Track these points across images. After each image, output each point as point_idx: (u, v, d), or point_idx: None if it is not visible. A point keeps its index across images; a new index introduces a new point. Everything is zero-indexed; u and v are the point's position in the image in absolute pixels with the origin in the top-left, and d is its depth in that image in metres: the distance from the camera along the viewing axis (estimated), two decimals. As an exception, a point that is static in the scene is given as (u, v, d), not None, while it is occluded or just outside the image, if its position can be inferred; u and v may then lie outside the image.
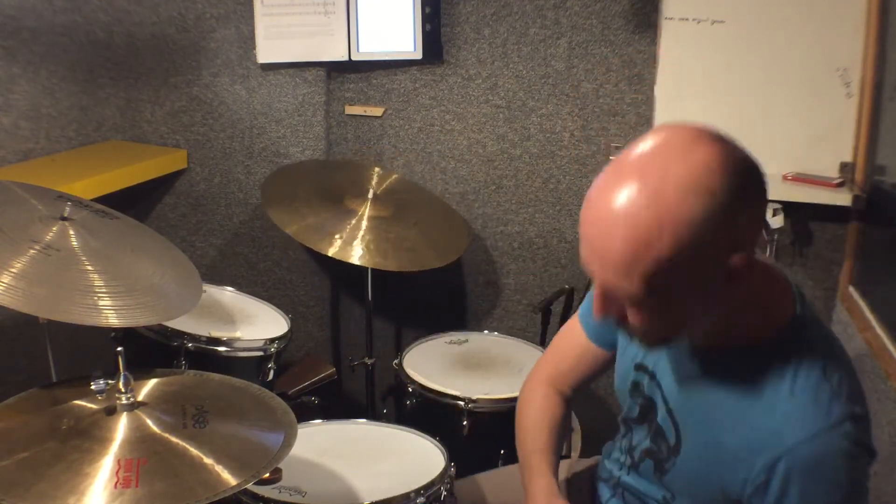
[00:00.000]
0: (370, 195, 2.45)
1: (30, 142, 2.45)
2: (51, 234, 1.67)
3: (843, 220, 2.37)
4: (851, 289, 2.30)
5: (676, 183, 0.98)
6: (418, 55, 2.61)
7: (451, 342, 2.46)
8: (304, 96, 2.73)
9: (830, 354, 1.16)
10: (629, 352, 1.40)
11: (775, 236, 2.38)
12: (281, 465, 1.50)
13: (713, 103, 2.41)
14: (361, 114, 2.76)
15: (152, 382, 1.66)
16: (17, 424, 1.48)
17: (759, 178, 1.07)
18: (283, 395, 2.14)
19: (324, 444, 1.96)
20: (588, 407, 2.61)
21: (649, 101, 2.47)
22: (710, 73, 2.39)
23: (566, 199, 2.65)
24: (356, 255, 2.28)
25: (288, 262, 2.89)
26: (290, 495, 1.72)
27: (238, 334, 2.19)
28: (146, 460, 1.39)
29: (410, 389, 2.22)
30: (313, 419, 2.10)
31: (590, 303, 1.41)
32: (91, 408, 1.52)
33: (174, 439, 1.47)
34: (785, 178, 2.35)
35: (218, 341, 2.07)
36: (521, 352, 2.40)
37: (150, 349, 2.03)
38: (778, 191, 2.30)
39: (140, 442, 1.44)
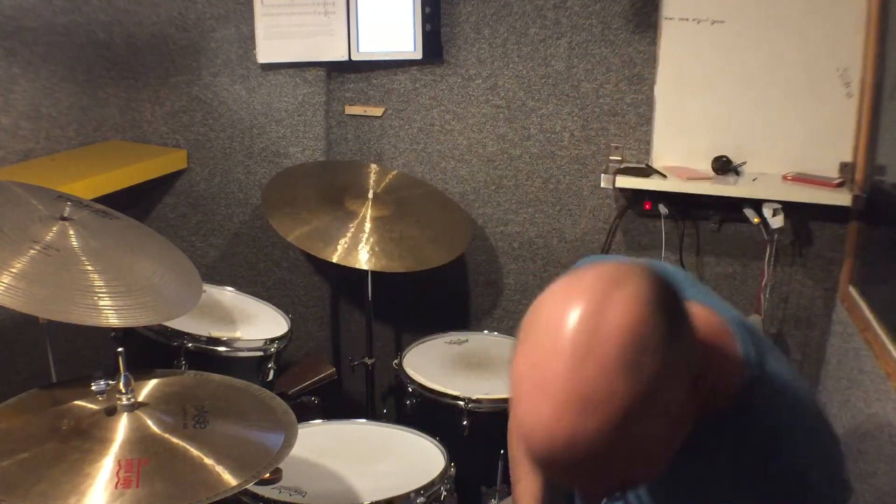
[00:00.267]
0: (370, 195, 2.45)
1: (30, 142, 2.44)
2: (51, 234, 1.67)
3: (843, 220, 2.38)
4: (851, 289, 2.31)
5: (609, 375, 0.86)
6: (418, 55, 2.61)
7: (451, 342, 2.46)
8: (304, 96, 2.73)
9: (786, 421, 1.06)
10: None
11: (775, 236, 2.39)
12: (281, 465, 1.50)
13: (713, 103, 2.41)
14: (361, 114, 2.76)
15: (152, 383, 1.66)
16: (17, 425, 1.49)
17: (677, 301, 0.94)
18: (283, 395, 2.14)
19: (324, 444, 1.96)
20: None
21: (649, 101, 2.47)
22: (710, 73, 2.39)
23: (566, 199, 2.65)
24: (362, 259, 2.28)
25: (288, 262, 2.89)
26: (290, 495, 1.72)
27: (238, 334, 2.19)
28: (147, 460, 1.39)
29: (410, 389, 2.22)
30: (313, 419, 2.10)
31: None
32: (91, 408, 1.53)
33: (175, 440, 1.47)
34: (785, 178, 2.35)
35: (218, 341, 2.07)
36: (521, 352, 2.39)
37: (150, 349, 2.03)
38: (778, 191, 2.30)
39: (140, 442, 1.44)
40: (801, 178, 2.32)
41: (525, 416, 0.92)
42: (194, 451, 1.45)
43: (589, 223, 2.65)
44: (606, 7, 2.45)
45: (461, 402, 2.11)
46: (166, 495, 1.33)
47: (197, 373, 1.76)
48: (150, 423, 1.50)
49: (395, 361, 2.35)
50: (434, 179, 2.74)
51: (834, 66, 2.27)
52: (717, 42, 2.35)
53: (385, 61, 2.67)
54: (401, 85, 2.70)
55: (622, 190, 2.51)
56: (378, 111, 2.75)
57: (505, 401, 2.09)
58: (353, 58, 2.64)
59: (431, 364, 2.30)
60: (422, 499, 1.72)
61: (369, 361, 2.64)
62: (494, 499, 2.07)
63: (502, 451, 2.09)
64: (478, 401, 2.12)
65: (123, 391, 1.51)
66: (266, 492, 1.69)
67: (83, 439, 1.43)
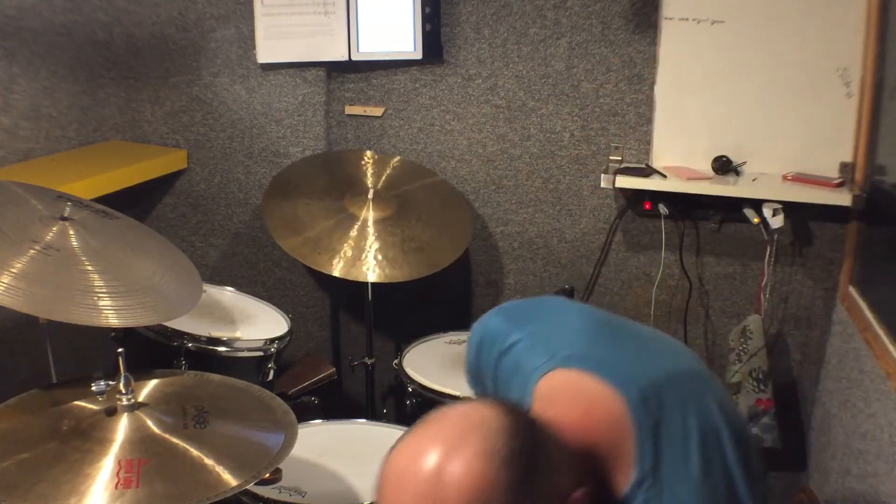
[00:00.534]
0: (370, 195, 2.45)
1: (30, 142, 2.44)
2: (51, 234, 1.67)
3: (843, 220, 2.37)
4: (851, 289, 2.31)
5: None
6: (418, 55, 2.61)
7: (451, 342, 2.46)
8: (304, 96, 2.73)
9: None
10: None
11: (775, 236, 2.39)
12: (281, 466, 1.50)
13: (713, 103, 2.41)
14: (361, 114, 2.76)
15: (153, 383, 1.66)
16: (17, 425, 1.49)
17: (530, 445, 0.93)
18: (283, 395, 2.14)
19: (324, 444, 1.96)
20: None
21: (649, 101, 2.47)
22: (710, 73, 2.39)
23: (566, 199, 2.65)
24: (366, 270, 2.28)
25: (288, 263, 2.89)
26: (290, 495, 1.72)
27: (238, 334, 2.19)
28: (147, 461, 1.40)
29: (410, 389, 2.22)
30: (313, 419, 2.10)
31: None
32: (91, 409, 1.53)
33: (175, 440, 1.47)
34: (785, 178, 2.35)
35: (218, 341, 2.07)
36: (521, 352, 2.39)
37: (150, 349, 2.03)
38: (778, 191, 2.30)
39: (141, 442, 1.45)
40: (801, 178, 2.32)
41: None
42: (194, 452, 1.45)
43: (589, 223, 2.65)
44: (606, 7, 2.45)
45: (461, 402, 2.11)
46: (166, 495, 1.33)
47: (197, 373, 1.77)
48: (150, 423, 1.50)
49: (395, 361, 2.35)
50: (434, 172, 2.74)
51: (834, 66, 2.27)
52: (717, 42, 2.35)
53: (385, 61, 2.67)
54: (401, 85, 2.70)
55: (622, 190, 2.51)
56: (378, 111, 2.75)
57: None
58: (353, 58, 2.64)
59: (431, 364, 2.30)
60: (422, 499, 1.72)
61: (369, 361, 2.64)
62: None
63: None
64: (478, 401, 2.11)
65: (123, 391, 1.51)
66: (266, 492, 1.69)
67: (83, 440, 1.43)
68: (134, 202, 2.82)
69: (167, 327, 2.00)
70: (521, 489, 0.89)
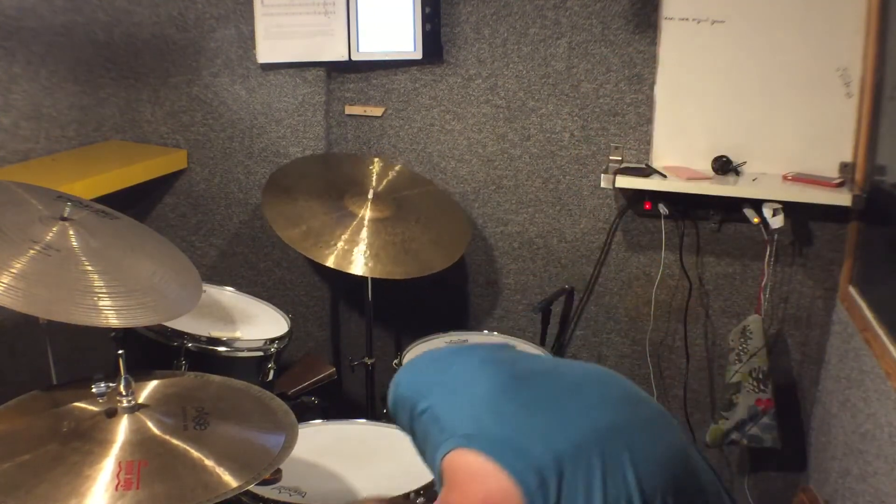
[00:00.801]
0: (370, 195, 2.45)
1: (30, 142, 2.44)
2: (51, 234, 1.67)
3: (843, 220, 2.38)
4: (851, 289, 2.31)
5: None
6: (418, 55, 2.61)
7: (450, 342, 2.46)
8: (304, 96, 2.73)
9: None
10: None
11: (775, 236, 2.39)
12: (281, 466, 1.50)
13: (713, 103, 2.41)
14: (361, 114, 2.76)
15: (153, 384, 1.66)
16: (18, 427, 1.49)
17: None
18: (283, 396, 2.14)
19: (324, 444, 1.96)
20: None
21: (649, 101, 2.47)
22: (711, 73, 2.38)
23: (566, 199, 2.65)
24: (358, 263, 2.28)
25: (288, 262, 2.89)
26: (290, 495, 1.72)
27: (238, 334, 2.19)
28: (147, 462, 1.40)
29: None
30: (313, 419, 2.10)
31: None
32: (92, 410, 1.53)
33: (175, 441, 1.47)
34: (785, 178, 2.35)
35: (218, 341, 2.07)
36: (522, 352, 2.40)
37: (150, 349, 2.03)
38: (778, 191, 2.30)
39: (141, 444, 1.45)
40: (801, 178, 2.32)
41: None
42: (195, 453, 1.45)
43: (589, 223, 2.65)
44: (606, 7, 2.45)
45: (461, 403, 2.11)
46: (167, 497, 1.33)
47: (197, 374, 1.77)
48: (150, 424, 1.50)
49: (395, 361, 2.35)
50: (434, 179, 2.74)
51: (834, 66, 2.27)
52: (717, 42, 2.35)
53: (385, 61, 2.67)
54: (401, 85, 2.70)
55: (622, 190, 2.51)
56: (378, 111, 2.75)
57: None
58: (353, 58, 2.64)
59: (431, 364, 2.30)
60: (422, 499, 1.72)
61: (369, 361, 2.64)
62: None
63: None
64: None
65: (124, 393, 1.51)
66: (266, 492, 1.69)
67: (84, 441, 1.43)
68: (134, 202, 2.82)
69: (167, 327, 2.00)
70: None
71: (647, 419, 1.21)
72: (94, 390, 1.53)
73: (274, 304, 2.40)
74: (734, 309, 2.57)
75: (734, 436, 2.41)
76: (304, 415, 2.16)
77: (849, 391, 2.18)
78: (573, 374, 1.29)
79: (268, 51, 2.67)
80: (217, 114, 2.79)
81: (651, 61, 2.44)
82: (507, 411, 1.16)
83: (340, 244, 2.32)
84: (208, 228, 2.91)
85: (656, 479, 1.09)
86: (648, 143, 2.50)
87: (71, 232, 1.70)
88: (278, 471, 1.60)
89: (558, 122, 2.59)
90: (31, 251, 1.59)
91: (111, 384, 1.53)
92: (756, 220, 2.32)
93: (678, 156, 2.47)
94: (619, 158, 2.54)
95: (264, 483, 1.63)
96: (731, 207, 2.42)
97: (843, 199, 2.23)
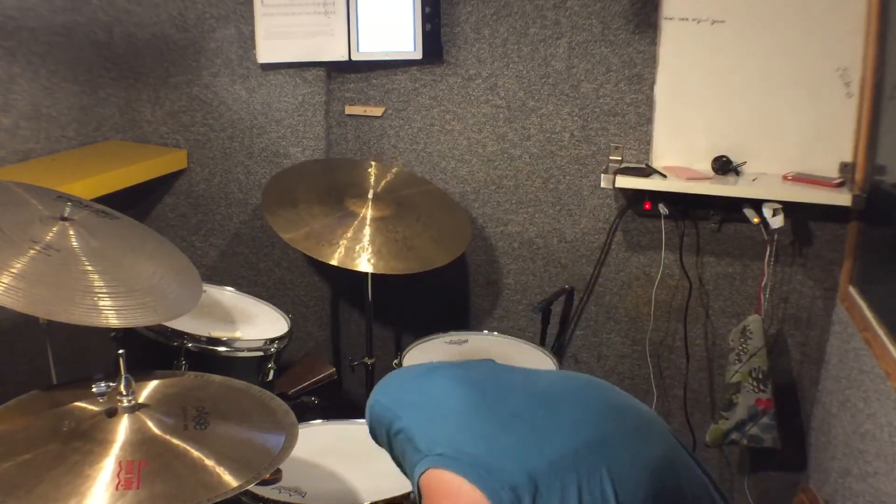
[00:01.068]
0: (370, 195, 2.45)
1: (30, 142, 2.44)
2: (51, 234, 1.67)
3: (843, 220, 2.38)
4: (851, 289, 2.31)
5: None
6: (418, 55, 2.61)
7: (451, 342, 2.46)
8: (304, 96, 2.73)
9: None
10: None
11: (775, 236, 2.39)
12: (281, 466, 1.50)
13: (713, 103, 2.41)
14: (361, 114, 2.76)
15: (153, 384, 1.66)
16: (18, 427, 1.49)
17: None
18: (283, 396, 2.14)
19: (324, 444, 1.96)
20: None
21: (649, 101, 2.47)
22: (710, 73, 2.39)
23: (566, 199, 2.65)
24: (363, 261, 2.28)
25: (288, 262, 2.89)
26: (290, 495, 1.72)
27: (238, 334, 2.19)
28: (147, 462, 1.40)
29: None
30: (313, 419, 2.10)
31: None
32: (92, 410, 1.53)
33: (175, 441, 1.47)
34: (785, 178, 2.35)
35: (218, 341, 2.07)
36: (521, 352, 2.40)
37: (151, 349, 2.03)
38: (778, 191, 2.30)
39: (141, 444, 1.44)
40: (801, 178, 2.32)
41: None
42: (195, 453, 1.45)
43: (589, 223, 2.65)
44: (606, 7, 2.45)
45: (461, 403, 2.11)
46: (167, 496, 1.33)
47: (197, 374, 1.76)
48: (150, 424, 1.50)
49: (395, 361, 2.35)
50: (434, 179, 2.74)
51: (834, 66, 2.27)
52: (717, 42, 2.35)
53: (385, 61, 2.67)
54: (401, 85, 2.70)
55: (622, 190, 2.51)
56: (378, 111, 2.75)
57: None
58: (353, 58, 2.64)
59: (431, 364, 2.30)
60: (422, 499, 1.72)
61: (369, 361, 2.64)
62: None
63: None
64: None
65: (124, 393, 1.51)
66: (266, 492, 1.69)
67: (84, 441, 1.43)
68: (134, 202, 2.82)
69: (167, 327, 2.00)
70: None
71: (629, 430, 1.22)
72: (94, 390, 1.53)
73: (274, 304, 2.40)
74: (734, 309, 2.57)
75: (734, 436, 2.41)
76: (304, 415, 2.16)
77: (849, 391, 2.18)
78: (552, 391, 1.29)
79: (268, 51, 2.67)
80: (217, 114, 2.79)
81: (651, 61, 2.44)
82: (480, 430, 1.17)
83: (343, 243, 2.32)
84: (208, 228, 2.91)
85: (636, 490, 1.10)
86: (648, 143, 2.50)
87: (71, 232, 1.70)
88: (278, 471, 1.60)
89: (558, 122, 2.59)
90: (31, 251, 1.59)
91: (111, 384, 1.53)
92: (756, 220, 2.32)
93: (678, 156, 2.47)
94: (619, 158, 2.54)
95: (264, 483, 1.63)
96: (731, 207, 2.42)
97: (843, 199, 2.24)
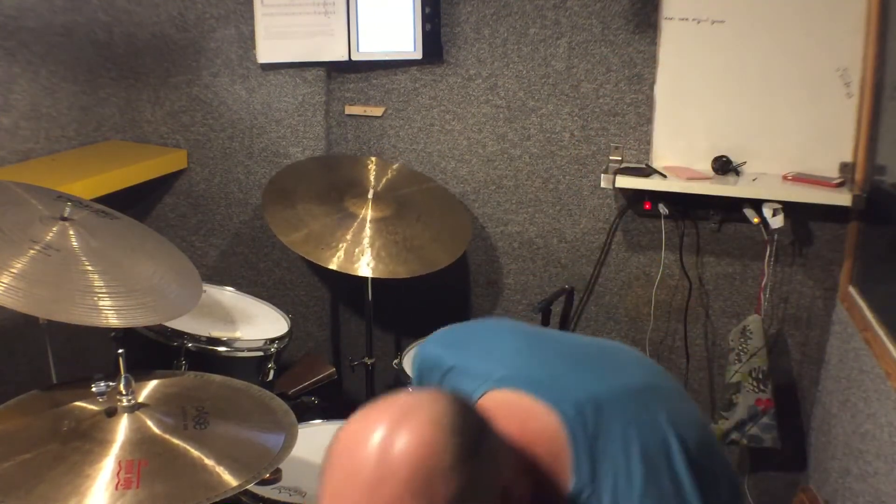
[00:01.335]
0: (370, 195, 2.45)
1: (30, 142, 2.44)
2: (51, 234, 1.67)
3: (843, 220, 2.38)
4: (851, 289, 2.31)
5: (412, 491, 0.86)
6: (418, 55, 2.61)
7: (451, 342, 2.45)
8: (304, 96, 2.73)
9: None
10: None
11: (775, 236, 2.39)
12: (281, 466, 1.50)
13: (713, 103, 2.41)
14: (361, 114, 2.76)
15: (153, 384, 1.66)
16: (18, 427, 1.49)
17: (475, 422, 0.95)
18: (283, 396, 2.14)
19: (324, 444, 1.96)
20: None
21: (649, 101, 2.47)
22: (710, 73, 2.39)
23: (566, 199, 2.65)
24: (363, 264, 2.28)
25: (288, 262, 2.89)
26: (290, 495, 1.72)
27: (238, 334, 2.20)
28: (147, 461, 1.40)
29: (411, 390, 2.22)
30: (313, 419, 2.10)
31: None
32: (92, 409, 1.53)
33: (175, 440, 1.47)
34: (785, 178, 2.35)
35: (218, 341, 2.07)
36: (522, 352, 2.39)
37: (150, 349, 2.03)
38: (778, 191, 2.30)
39: (141, 443, 1.44)
40: (801, 178, 2.32)
41: None
42: (194, 452, 1.45)
43: (589, 223, 2.65)
44: (606, 7, 2.45)
45: (461, 403, 2.11)
46: (167, 496, 1.33)
47: (197, 374, 1.76)
48: (150, 424, 1.50)
49: (395, 361, 2.35)
50: (434, 179, 2.74)
51: (834, 66, 2.27)
52: (717, 42, 2.35)
53: (385, 61, 2.67)
54: (401, 85, 2.70)
55: (622, 190, 2.51)
56: (378, 111, 2.75)
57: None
58: (353, 58, 2.64)
59: (431, 364, 2.30)
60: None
61: (369, 361, 2.64)
62: None
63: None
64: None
65: (124, 392, 1.51)
66: (266, 492, 1.69)
67: (84, 440, 1.43)
68: (134, 202, 2.82)
69: (167, 327, 2.00)
70: (468, 463, 0.88)
71: (676, 386, 1.19)
72: (94, 390, 1.53)
73: (274, 304, 2.41)
74: (734, 309, 2.57)
75: (734, 436, 2.41)
76: (304, 415, 2.16)
77: (849, 391, 2.18)
78: (603, 342, 1.28)
79: (268, 51, 2.67)
80: (217, 114, 2.79)
81: (651, 61, 2.44)
82: (539, 358, 1.15)
83: (343, 246, 2.32)
84: (208, 228, 2.91)
85: (690, 433, 1.06)
86: (648, 143, 2.50)
87: (71, 232, 1.70)
88: (278, 471, 1.60)
89: (558, 122, 2.59)
90: (31, 251, 1.59)
91: (111, 383, 1.53)
92: (756, 220, 2.32)
93: (678, 156, 2.47)
94: (619, 158, 2.54)
95: (264, 483, 1.63)
96: (731, 207, 2.42)
97: (843, 199, 2.23)
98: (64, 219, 1.72)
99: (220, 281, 2.53)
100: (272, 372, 2.17)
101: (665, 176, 2.39)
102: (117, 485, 1.33)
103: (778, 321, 2.53)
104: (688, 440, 1.05)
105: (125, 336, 1.89)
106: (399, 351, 2.41)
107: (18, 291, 1.49)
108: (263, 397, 1.70)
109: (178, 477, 1.38)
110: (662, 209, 2.49)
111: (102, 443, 1.43)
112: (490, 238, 2.76)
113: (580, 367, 1.14)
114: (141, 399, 1.57)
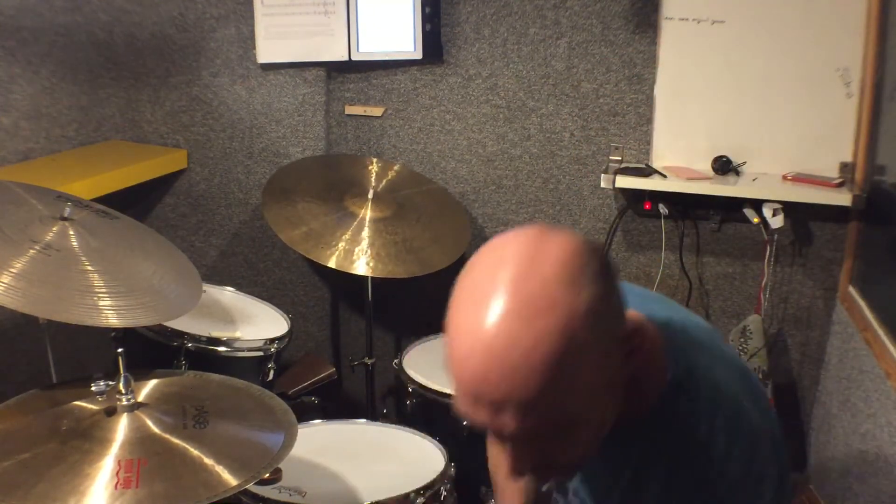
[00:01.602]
0: (370, 195, 2.45)
1: (30, 142, 2.44)
2: (51, 234, 1.67)
3: (843, 220, 2.38)
4: (851, 289, 2.31)
5: (554, 296, 0.86)
6: (418, 55, 2.61)
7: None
8: (304, 96, 2.73)
9: (711, 417, 1.05)
10: None
11: (775, 236, 2.39)
12: (281, 466, 1.50)
13: (713, 103, 2.41)
14: (361, 114, 2.76)
15: (152, 383, 1.66)
16: (17, 426, 1.49)
17: (607, 260, 0.96)
18: (283, 395, 2.14)
19: (324, 444, 1.96)
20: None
21: (649, 101, 2.47)
22: (711, 73, 2.39)
23: (566, 199, 2.65)
24: (361, 264, 2.28)
25: (288, 262, 2.89)
26: (290, 495, 1.72)
27: (238, 334, 2.19)
28: (146, 461, 1.40)
29: (410, 389, 2.22)
30: (313, 419, 2.10)
31: None
32: (91, 409, 1.53)
33: (174, 440, 1.47)
34: (785, 178, 2.35)
35: (218, 341, 2.07)
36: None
37: (150, 349, 2.03)
38: (778, 191, 2.30)
39: (140, 443, 1.44)
40: (801, 178, 2.32)
41: (460, 330, 0.89)
42: (194, 452, 1.45)
43: (589, 223, 2.65)
44: (606, 7, 2.45)
45: (461, 403, 2.11)
46: (166, 495, 1.33)
47: (197, 373, 1.76)
48: (149, 423, 1.50)
49: (395, 361, 2.35)
50: (434, 179, 2.74)
51: (834, 66, 2.27)
52: (717, 42, 2.35)
53: (385, 61, 2.67)
54: (401, 85, 2.70)
55: (622, 190, 2.51)
56: (378, 111, 2.75)
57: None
58: (353, 58, 2.64)
59: (432, 364, 2.30)
60: (421, 499, 1.72)
61: (369, 361, 2.64)
62: (494, 499, 2.06)
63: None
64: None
65: (123, 392, 1.51)
66: (266, 492, 1.69)
67: (83, 440, 1.43)
68: (134, 202, 2.82)
69: (167, 327, 2.00)
70: (606, 278, 0.91)
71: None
72: (93, 389, 1.53)
73: (274, 304, 2.41)
74: (734, 309, 2.57)
75: (734, 436, 2.41)
76: (304, 415, 2.16)
77: (849, 391, 2.18)
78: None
79: (268, 51, 2.67)
80: (217, 114, 2.79)
81: (651, 61, 2.44)
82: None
83: (342, 245, 2.32)
84: (208, 228, 2.91)
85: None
86: (648, 143, 2.50)
87: (71, 232, 1.70)
88: (278, 470, 1.60)
89: (558, 122, 2.59)
90: (31, 251, 1.59)
91: (111, 383, 1.53)
92: (756, 220, 2.32)
93: (678, 156, 2.47)
94: (619, 158, 2.54)
95: (264, 483, 1.62)
96: (731, 207, 2.42)
97: (843, 199, 2.24)
98: (64, 219, 1.71)
99: (220, 281, 2.53)
100: (272, 372, 2.17)
101: (665, 176, 2.39)
102: (117, 484, 1.33)
103: (778, 321, 2.52)
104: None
105: (125, 336, 1.89)
106: (399, 351, 2.41)
107: (18, 291, 1.49)
108: (263, 397, 1.70)
109: (177, 476, 1.38)
110: (662, 209, 2.49)
111: (102, 442, 1.43)
112: (490, 238, 2.76)
113: (654, 299, 1.22)
114: (140, 398, 1.57)
